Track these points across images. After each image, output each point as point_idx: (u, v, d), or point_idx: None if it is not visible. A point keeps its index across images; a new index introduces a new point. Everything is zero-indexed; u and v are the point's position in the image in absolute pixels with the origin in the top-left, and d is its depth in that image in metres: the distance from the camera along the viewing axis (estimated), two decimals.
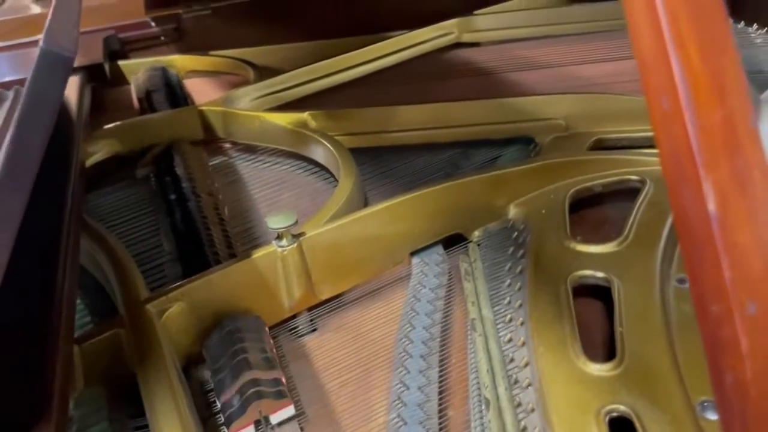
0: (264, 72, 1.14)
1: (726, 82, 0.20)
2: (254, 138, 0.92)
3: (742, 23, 1.17)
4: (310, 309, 0.63)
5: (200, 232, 0.71)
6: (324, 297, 0.63)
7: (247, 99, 1.02)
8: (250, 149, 0.95)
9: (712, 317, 0.20)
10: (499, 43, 1.24)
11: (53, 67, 0.29)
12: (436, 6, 1.35)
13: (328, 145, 0.80)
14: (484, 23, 1.25)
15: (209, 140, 0.98)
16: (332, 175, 0.84)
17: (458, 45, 1.25)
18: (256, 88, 1.04)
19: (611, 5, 1.23)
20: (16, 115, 0.33)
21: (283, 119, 0.90)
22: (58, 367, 0.42)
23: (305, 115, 0.89)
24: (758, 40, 1.10)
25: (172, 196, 0.80)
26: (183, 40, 1.35)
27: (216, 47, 1.29)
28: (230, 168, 0.92)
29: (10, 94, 1.05)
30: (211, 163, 0.91)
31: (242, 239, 0.74)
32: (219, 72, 1.25)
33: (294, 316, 0.62)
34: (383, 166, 0.85)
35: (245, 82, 1.13)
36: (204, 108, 0.96)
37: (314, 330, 0.62)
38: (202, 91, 1.17)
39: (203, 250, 0.68)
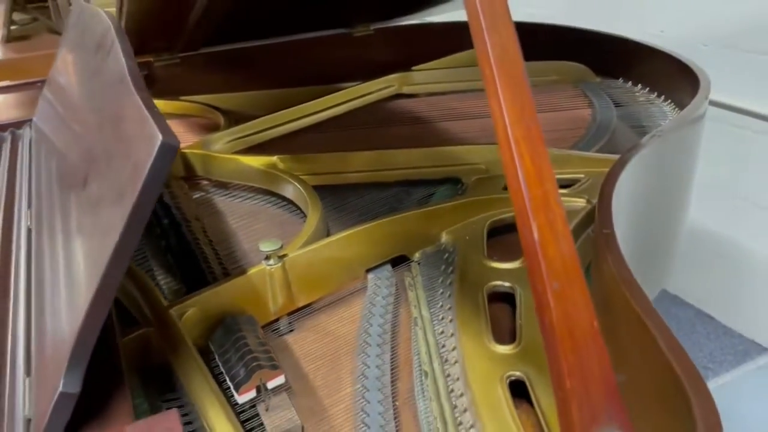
0: (230, 116, 1.32)
1: (543, 173, 0.40)
2: (231, 177, 1.10)
3: (630, 83, 1.44)
4: (289, 313, 0.81)
5: (195, 251, 0.89)
6: (300, 304, 0.81)
7: (221, 142, 1.20)
8: (223, 185, 1.13)
9: (538, 294, 0.40)
10: (432, 95, 1.46)
11: (169, 156, 0.45)
12: (377, 60, 1.57)
13: (297, 184, 0.98)
14: (419, 77, 1.48)
15: (188, 177, 1.15)
16: (298, 208, 1.02)
17: (399, 96, 1.46)
18: (228, 133, 1.22)
19: (532, 64, 1.47)
20: (136, 198, 0.46)
21: (256, 161, 1.08)
22: (119, 358, 0.59)
23: (275, 159, 1.08)
24: (641, 99, 1.36)
25: (165, 221, 0.97)
26: (154, 86, 1.51)
27: (185, 93, 1.46)
28: (209, 201, 1.09)
29: (7, 136, 1.19)
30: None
31: (228, 260, 0.92)
32: (188, 115, 1.42)
33: (276, 319, 0.80)
34: (340, 200, 1.04)
35: (213, 125, 1.31)
36: (186, 150, 1.13)
37: (292, 330, 0.80)
38: (175, 132, 1.34)
39: (200, 266, 0.85)
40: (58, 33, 2.04)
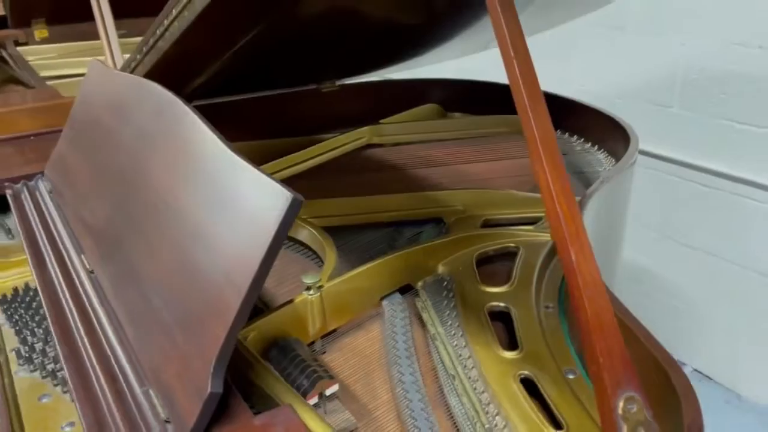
0: None
1: (575, 214, 0.58)
2: None
3: (567, 134, 1.68)
4: (321, 337, 0.95)
5: None
6: (331, 328, 0.96)
7: None
8: None
9: (576, 299, 0.58)
10: (398, 145, 1.65)
11: (296, 209, 0.60)
12: (343, 113, 1.75)
13: (311, 228, 1.14)
14: (387, 129, 1.66)
15: None
16: (308, 248, 1.17)
17: (369, 146, 1.64)
18: None
19: (482, 118, 1.70)
20: (271, 240, 0.60)
21: None
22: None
23: None
24: (578, 148, 1.60)
25: None
26: None
27: None
28: None
29: (21, 188, 1.27)
30: None
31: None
32: None
33: (312, 342, 0.94)
34: (341, 240, 1.20)
35: None
36: None
37: (324, 352, 0.94)
38: None
39: None
40: (25, 84, 2.10)
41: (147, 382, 0.70)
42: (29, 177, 1.30)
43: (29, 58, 2.44)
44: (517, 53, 0.62)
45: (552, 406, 0.77)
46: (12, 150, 1.50)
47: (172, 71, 1.23)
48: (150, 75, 1.29)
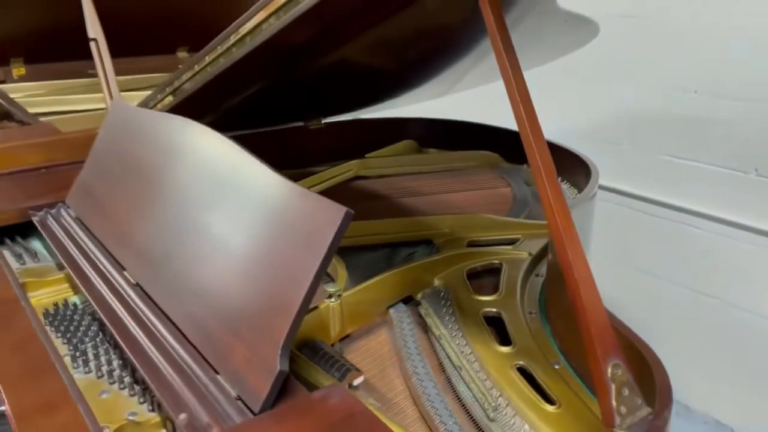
0: None
1: (572, 231, 0.75)
2: None
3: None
4: (339, 340, 1.09)
5: None
6: (347, 333, 1.10)
7: None
8: None
9: (572, 290, 0.74)
10: (383, 177, 1.82)
11: (348, 220, 0.74)
12: (327, 148, 1.91)
13: None
14: (373, 163, 1.83)
15: None
16: None
17: (357, 177, 1.80)
18: None
19: (454, 154, 1.89)
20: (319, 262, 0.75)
21: None
22: None
23: None
24: None
25: None
26: None
27: None
28: None
29: (45, 215, 1.38)
30: None
31: None
32: None
33: (332, 345, 1.08)
34: (344, 261, 1.34)
35: None
36: None
37: (342, 353, 1.08)
38: None
39: None
40: (18, 120, 2.18)
41: (212, 372, 0.82)
42: (50, 205, 1.40)
43: (14, 95, 2.53)
44: (522, 98, 0.79)
45: (545, 388, 0.93)
46: (23, 182, 1.60)
47: (189, 111, 1.37)
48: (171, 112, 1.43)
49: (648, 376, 0.81)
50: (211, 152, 1.04)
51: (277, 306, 0.78)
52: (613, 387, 0.72)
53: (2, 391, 0.83)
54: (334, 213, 0.77)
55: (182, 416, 0.75)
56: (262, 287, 0.81)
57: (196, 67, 1.22)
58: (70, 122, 2.15)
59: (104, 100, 1.98)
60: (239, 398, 0.77)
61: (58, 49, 2.89)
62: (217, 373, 0.82)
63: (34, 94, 2.65)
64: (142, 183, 1.16)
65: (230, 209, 0.94)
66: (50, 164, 1.72)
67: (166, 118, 1.20)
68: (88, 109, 2.45)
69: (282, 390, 0.77)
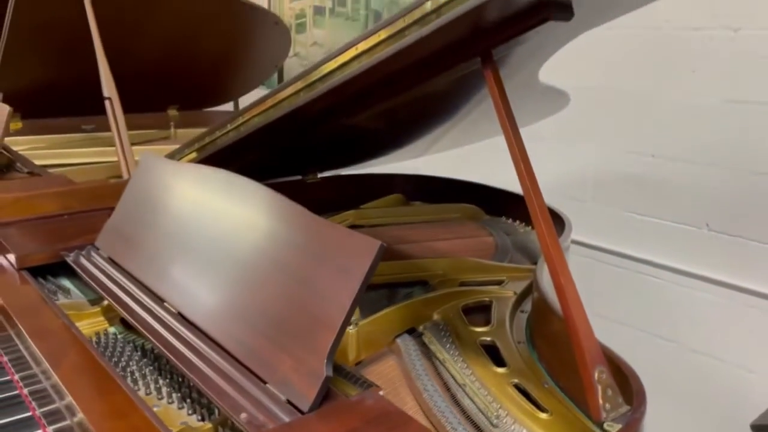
0: None
1: (563, 264, 0.93)
2: None
3: (510, 220, 2.07)
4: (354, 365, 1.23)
5: None
6: (361, 359, 1.24)
7: None
8: None
9: (566, 308, 0.91)
10: (376, 226, 1.99)
11: (382, 252, 0.91)
12: (324, 200, 2.08)
13: None
14: (368, 213, 2.01)
15: None
16: None
17: (352, 226, 1.97)
18: None
19: (440, 206, 2.08)
20: (363, 278, 0.92)
21: None
22: None
23: None
24: (521, 230, 1.99)
25: None
26: None
27: None
28: None
29: (77, 255, 1.50)
30: None
31: None
32: None
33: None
34: None
35: None
36: None
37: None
38: None
39: None
40: (26, 171, 2.30)
41: (260, 383, 0.96)
42: (80, 247, 1.53)
43: (15, 148, 2.65)
44: (521, 155, 0.98)
45: (538, 400, 1.09)
46: (47, 227, 1.72)
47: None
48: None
49: (625, 384, 0.98)
50: (248, 195, 1.20)
51: (321, 323, 0.94)
52: (600, 387, 0.89)
53: (75, 402, 0.95)
54: (371, 245, 0.94)
55: (243, 415, 0.88)
56: (308, 309, 0.97)
57: (222, 130, 1.40)
58: (76, 174, 2.29)
59: (116, 153, 2.13)
60: (288, 402, 0.91)
61: (54, 107, 3.06)
62: (265, 383, 0.96)
63: (34, 147, 2.78)
64: (178, 223, 1.31)
65: (272, 244, 1.10)
66: (68, 212, 1.85)
67: (198, 167, 1.36)
68: (90, 162, 2.58)
69: (324, 396, 0.92)
